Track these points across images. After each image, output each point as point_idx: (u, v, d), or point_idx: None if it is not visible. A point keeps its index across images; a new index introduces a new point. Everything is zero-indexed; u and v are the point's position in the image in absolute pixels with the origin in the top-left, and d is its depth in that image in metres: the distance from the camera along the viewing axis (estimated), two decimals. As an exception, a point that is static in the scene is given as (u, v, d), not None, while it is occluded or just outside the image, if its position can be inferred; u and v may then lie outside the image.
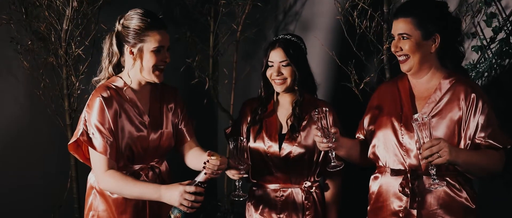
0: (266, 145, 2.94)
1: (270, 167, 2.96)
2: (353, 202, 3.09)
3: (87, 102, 2.68)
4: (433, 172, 2.42)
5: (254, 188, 3.02)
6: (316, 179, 2.99)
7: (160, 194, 2.53)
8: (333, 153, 2.64)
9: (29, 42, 3.45)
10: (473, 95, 2.53)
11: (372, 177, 2.77)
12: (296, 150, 2.92)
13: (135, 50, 2.63)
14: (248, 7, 3.95)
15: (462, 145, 2.54)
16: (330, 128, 2.59)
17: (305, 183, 2.96)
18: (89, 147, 2.62)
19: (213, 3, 4.00)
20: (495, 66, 3.10)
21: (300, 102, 2.93)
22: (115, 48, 2.66)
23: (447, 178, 2.55)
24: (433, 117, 2.55)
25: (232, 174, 2.70)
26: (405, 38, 2.57)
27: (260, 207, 2.99)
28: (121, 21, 2.65)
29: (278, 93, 3.01)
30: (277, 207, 2.96)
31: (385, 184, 2.68)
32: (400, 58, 2.62)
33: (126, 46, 2.65)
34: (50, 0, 3.37)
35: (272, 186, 2.98)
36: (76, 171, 3.55)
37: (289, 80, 2.90)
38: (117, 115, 2.63)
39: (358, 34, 3.33)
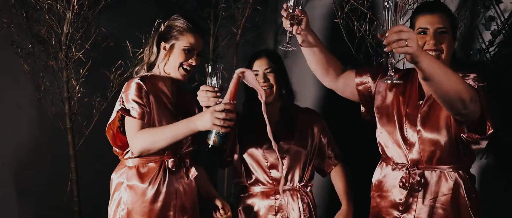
0: (260, 148, 2.98)
1: (264, 169, 2.99)
2: (358, 190, 3.09)
3: (123, 89, 2.72)
4: (392, 72, 2.16)
5: (249, 191, 3.03)
6: (309, 180, 3.04)
7: (193, 123, 2.58)
8: (293, 32, 2.43)
9: (30, 46, 3.46)
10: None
11: (378, 165, 2.78)
12: (289, 151, 2.96)
13: (168, 46, 2.75)
14: (248, 11, 3.96)
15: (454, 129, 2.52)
16: (296, 11, 2.38)
17: (300, 185, 2.99)
18: (127, 117, 2.67)
19: (213, 7, 4.01)
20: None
21: (288, 106, 3.03)
22: (154, 47, 2.79)
23: (445, 172, 2.56)
24: (431, 103, 2.55)
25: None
26: (443, 33, 2.54)
27: (256, 210, 3.00)
28: (165, 23, 2.80)
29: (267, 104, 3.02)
30: (273, 208, 2.98)
31: (388, 176, 2.69)
32: (430, 54, 2.46)
33: (162, 42, 2.76)
34: (50, 4, 3.38)
35: (266, 189, 3.00)
36: (77, 174, 3.56)
37: (275, 88, 2.97)
38: (149, 96, 2.70)
39: (357, 38, 3.34)
